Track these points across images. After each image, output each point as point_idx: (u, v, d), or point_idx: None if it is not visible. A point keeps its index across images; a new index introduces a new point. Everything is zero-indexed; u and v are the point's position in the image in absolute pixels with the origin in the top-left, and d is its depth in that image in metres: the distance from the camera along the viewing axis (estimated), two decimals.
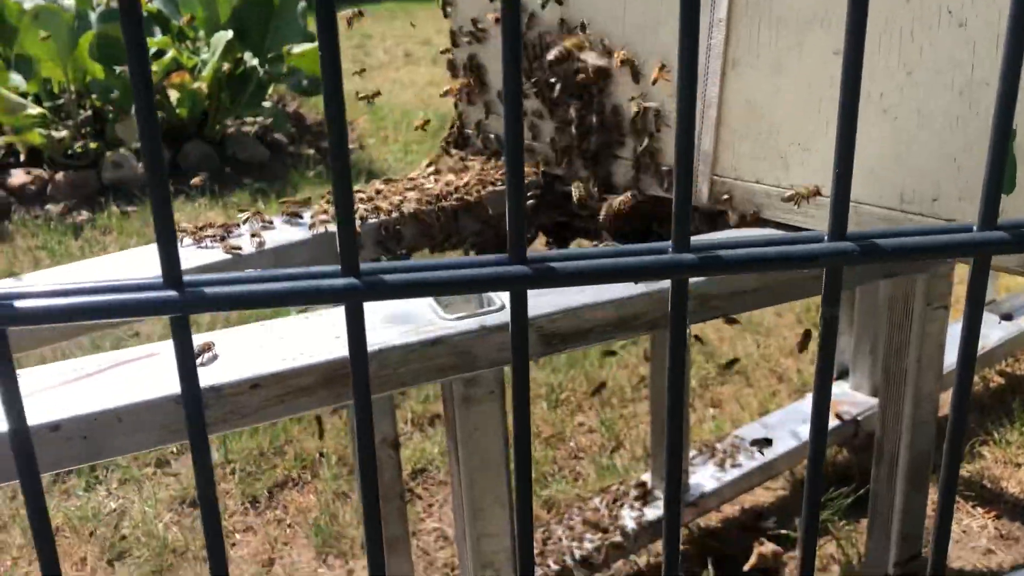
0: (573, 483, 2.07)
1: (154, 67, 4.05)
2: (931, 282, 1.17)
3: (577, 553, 1.65)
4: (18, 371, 0.59)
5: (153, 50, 4.17)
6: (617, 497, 1.79)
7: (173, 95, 4.21)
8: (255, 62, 4.25)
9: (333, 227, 1.27)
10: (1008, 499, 1.94)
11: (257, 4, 4.20)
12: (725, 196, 1.18)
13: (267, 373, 0.88)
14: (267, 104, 4.38)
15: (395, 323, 0.97)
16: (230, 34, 3.91)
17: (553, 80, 1.29)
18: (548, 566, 1.63)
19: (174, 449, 2.23)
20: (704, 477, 1.83)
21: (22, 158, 4.03)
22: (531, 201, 1.38)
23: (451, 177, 1.36)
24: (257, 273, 0.69)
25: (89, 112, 4.08)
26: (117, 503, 2.06)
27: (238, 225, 1.25)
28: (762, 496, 1.99)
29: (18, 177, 3.90)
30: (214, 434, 0.90)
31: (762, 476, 1.89)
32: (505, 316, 0.98)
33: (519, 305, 0.65)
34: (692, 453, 1.89)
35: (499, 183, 1.36)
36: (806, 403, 2.07)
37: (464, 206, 1.31)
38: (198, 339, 0.92)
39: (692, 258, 0.65)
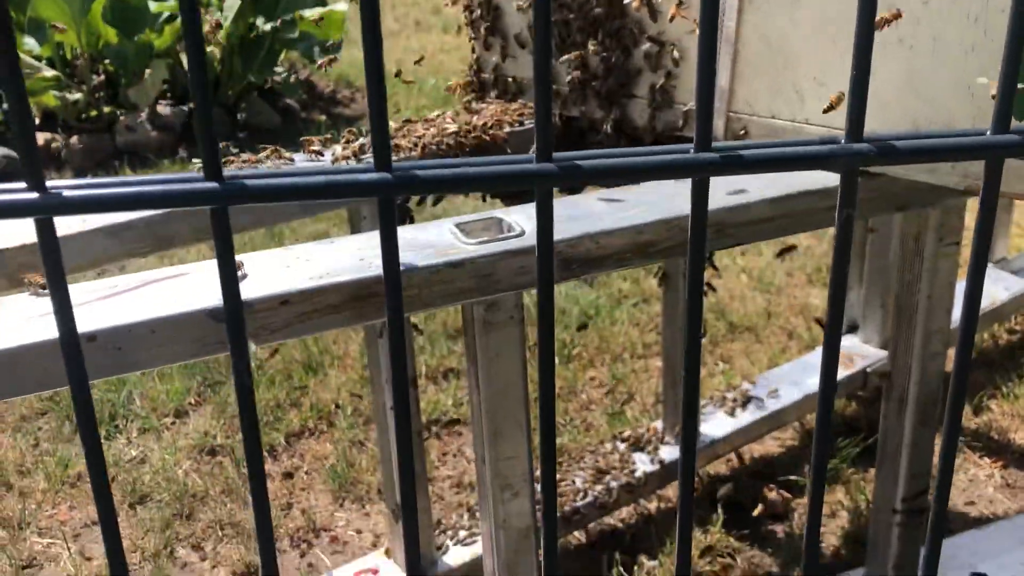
0: (585, 433, 2.10)
1: (168, 31, 4.06)
2: (943, 217, 1.19)
3: (590, 495, 1.68)
4: None
5: (166, 15, 4.18)
6: (629, 442, 1.82)
7: (186, 60, 4.22)
8: (268, 27, 4.25)
9: (355, 163, 1.29)
10: (1015, 450, 1.96)
11: None
12: (741, 132, 1.20)
13: (296, 290, 0.91)
14: (279, 70, 4.38)
15: (416, 248, 0.99)
16: None
17: (572, 16, 1.30)
18: (562, 509, 1.66)
19: (192, 400, 2.27)
20: (714, 425, 1.86)
21: (37, 122, 4.06)
22: None
23: (469, 117, 1.38)
24: (292, 167, 0.71)
25: (103, 76, 4.09)
26: (137, 451, 2.10)
27: (260, 163, 1.27)
28: (771, 446, 2.02)
29: None
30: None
31: (771, 425, 1.91)
32: (525, 241, 1.00)
33: (545, 202, 0.67)
34: (703, 402, 1.92)
35: (516, 124, 1.38)
36: (814, 355, 2.09)
37: (481, 144, 1.33)
38: None
39: (714, 156, 0.67)
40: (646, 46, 1.27)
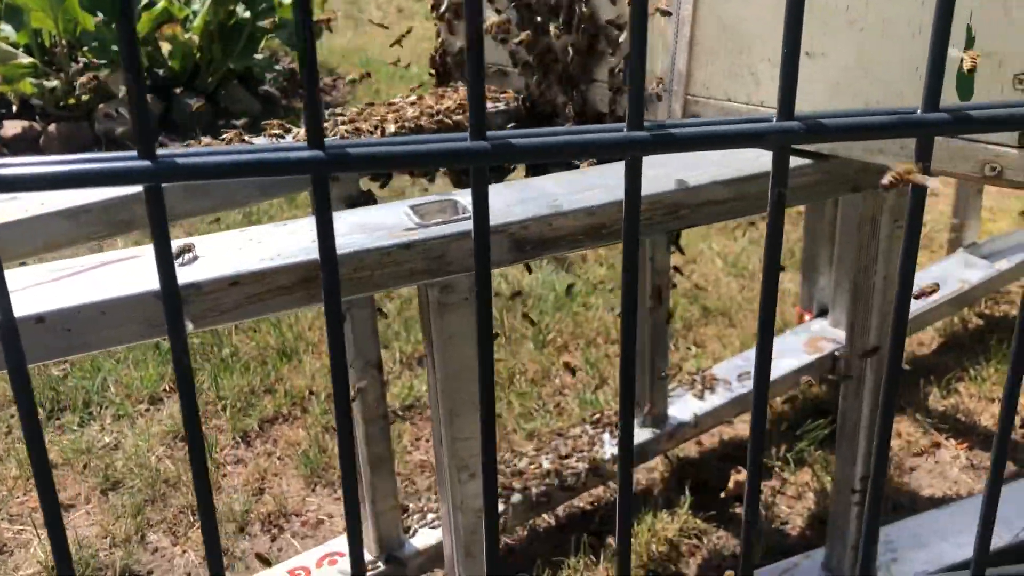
0: (558, 417, 2.11)
1: (144, 17, 4.04)
2: (899, 199, 1.20)
3: (557, 478, 1.69)
4: (5, 270, 0.62)
5: (144, 1, 4.15)
6: (598, 425, 1.84)
7: (165, 48, 4.20)
8: (247, 14, 4.23)
9: None
10: (981, 432, 1.99)
11: None
12: (698, 116, 1.21)
13: (247, 271, 0.91)
14: (259, 56, 4.36)
15: (369, 231, 1.00)
16: None
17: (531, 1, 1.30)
18: (530, 491, 1.68)
19: (167, 387, 2.27)
20: (682, 408, 1.88)
21: (15, 109, 4.03)
22: (511, 125, 1.40)
23: (431, 101, 1.38)
24: (227, 147, 0.72)
25: (81, 64, 4.07)
26: (111, 437, 2.10)
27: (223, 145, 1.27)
28: (741, 428, 2.03)
29: (11, 128, 3.90)
30: (197, 329, 0.93)
31: (740, 407, 1.93)
32: None
33: (480, 180, 0.67)
34: (671, 385, 1.93)
35: None
36: (784, 338, 2.11)
37: (442, 128, 1.33)
38: (179, 242, 0.95)
39: (645, 135, 0.68)
40: (605, 30, 1.27)
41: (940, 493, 1.83)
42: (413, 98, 1.41)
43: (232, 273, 0.91)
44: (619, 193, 1.09)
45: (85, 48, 4.06)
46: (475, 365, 1.10)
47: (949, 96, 1.00)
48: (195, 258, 0.95)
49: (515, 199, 1.06)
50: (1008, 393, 0.81)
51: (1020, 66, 0.92)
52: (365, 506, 1.53)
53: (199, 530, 1.83)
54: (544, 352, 2.37)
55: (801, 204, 1.15)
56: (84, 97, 3.99)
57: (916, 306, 2.20)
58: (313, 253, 0.94)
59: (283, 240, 0.98)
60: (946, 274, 2.30)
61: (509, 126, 1.40)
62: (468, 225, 1.00)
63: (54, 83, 3.96)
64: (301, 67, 0.61)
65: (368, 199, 1.38)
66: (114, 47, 3.97)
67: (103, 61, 4.02)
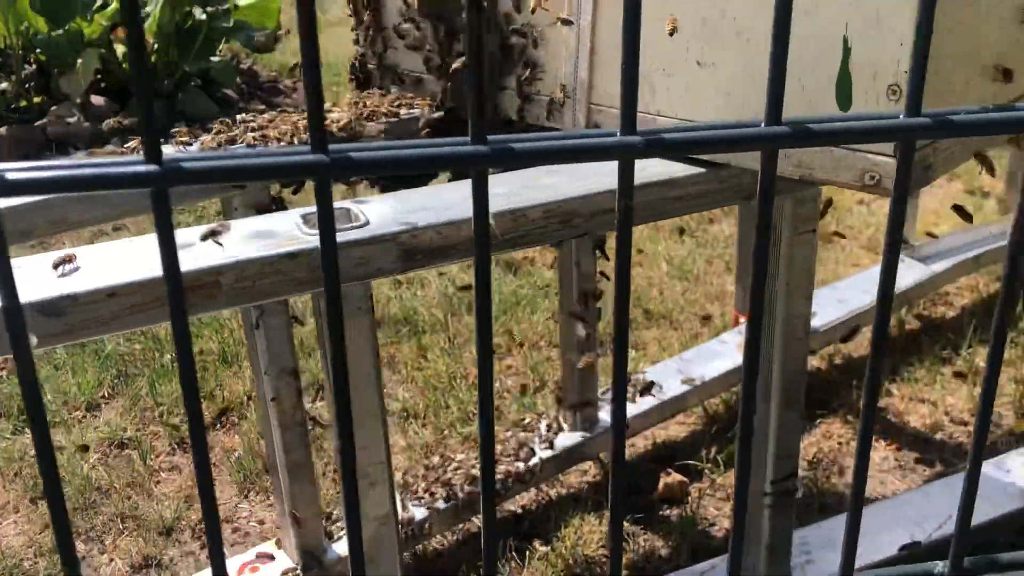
0: (496, 421, 2.12)
1: (97, 19, 4.01)
2: (797, 206, 1.22)
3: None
4: None
5: (98, 2, 4.12)
6: (528, 429, 1.84)
7: (120, 49, 4.17)
8: (204, 16, 4.21)
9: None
10: (909, 432, 2.01)
11: None
12: (597, 125, 1.22)
13: (124, 283, 0.91)
14: (216, 59, 4.34)
15: (260, 239, 1.00)
16: None
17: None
18: (457, 497, 1.68)
19: (105, 393, 2.26)
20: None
21: None
22: (425, 132, 1.41)
23: (346, 109, 1.38)
24: (70, 161, 0.71)
25: (33, 66, 4.03)
26: None
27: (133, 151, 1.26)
28: (677, 430, 2.05)
29: None
30: (73, 341, 0.93)
31: (673, 410, 1.94)
32: (366, 232, 1.01)
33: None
34: (602, 390, 1.94)
35: (392, 116, 1.39)
36: (719, 341, 2.13)
37: (353, 137, 1.33)
38: (61, 253, 0.95)
39: (486, 150, 0.68)
40: (512, 38, 1.28)
41: (867, 494, 1.85)
42: (328, 105, 1.41)
43: (109, 285, 0.91)
44: (515, 200, 1.10)
45: (38, 51, 4.02)
46: (371, 373, 1.10)
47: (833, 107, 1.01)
48: (76, 268, 0.94)
49: (409, 207, 1.06)
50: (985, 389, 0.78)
51: (892, 78, 0.94)
52: (285, 514, 1.53)
53: (127, 538, 1.82)
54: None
55: (696, 212, 1.16)
56: (36, 99, 3.95)
57: (851, 307, 2.23)
58: (192, 263, 0.94)
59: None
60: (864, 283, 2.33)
61: (423, 132, 1.41)
62: (354, 234, 1.01)
63: (4, 85, 3.92)
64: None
65: (279, 205, 1.38)
66: (69, 50, 3.93)
67: (54, 63, 3.98)
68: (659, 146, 0.70)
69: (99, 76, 4.16)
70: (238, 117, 1.35)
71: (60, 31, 3.92)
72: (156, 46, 4.18)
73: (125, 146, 1.39)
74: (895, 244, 0.74)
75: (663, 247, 2.89)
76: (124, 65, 4.13)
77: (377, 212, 1.05)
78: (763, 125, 0.71)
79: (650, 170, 1.13)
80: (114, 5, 4.00)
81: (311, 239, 0.99)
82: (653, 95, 1.15)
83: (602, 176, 1.11)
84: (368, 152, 0.68)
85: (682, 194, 1.15)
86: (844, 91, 0.97)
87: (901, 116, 0.72)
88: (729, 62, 1.06)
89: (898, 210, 0.73)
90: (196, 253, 0.96)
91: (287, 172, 0.67)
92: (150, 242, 1.00)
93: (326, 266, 0.70)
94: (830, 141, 0.72)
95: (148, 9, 4.11)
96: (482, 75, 0.63)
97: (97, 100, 4.06)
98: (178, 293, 0.68)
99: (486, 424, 0.68)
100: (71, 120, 3.97)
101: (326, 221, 0.69)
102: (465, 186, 1.13)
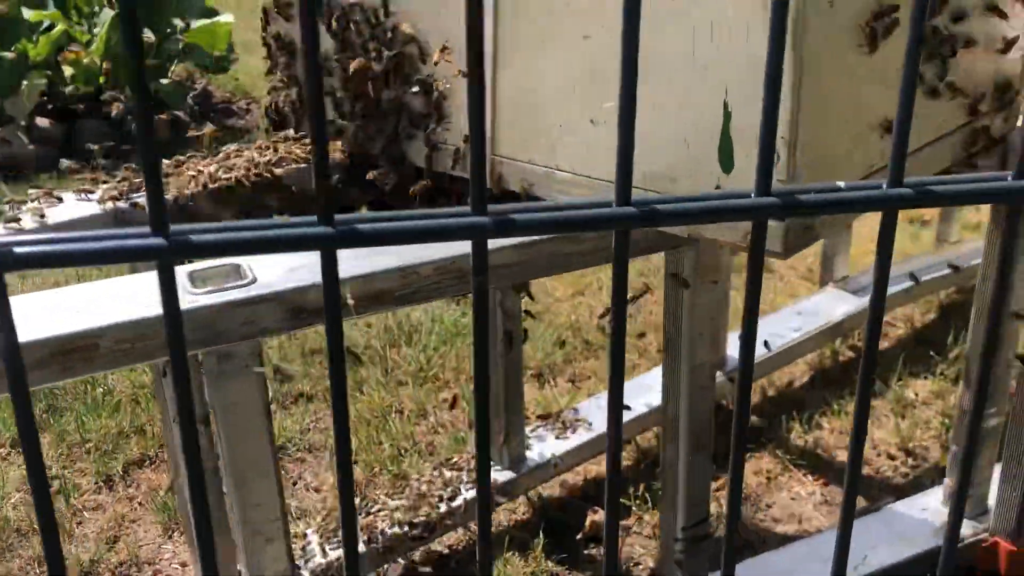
0: (429, 457, 2.11)
1: (43, 41, 3.96)
2: (701, 256, 1.22)
3: (408, 524, 1.68)
4: None
5: (45, 23, 4.07)
6: (455, 468, 1.83)
7: (68, 71, 4.12)
8: (153, 38, 4.17)
9: (123, 204, 1.27)
10: (838, 467, 2.03)
11: None
12: (502, 176, 1.22)
13: None
14: (166, 81, 4.30)
15: (143, 297, 0.99)
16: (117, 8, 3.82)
17: (350, 58, 1.31)
18: (379, 536, 1.67)
19: None
20: (542, 449, 1.88)
21: None
22: (336, 177, 1.40)
23: (254, 155, 1.37)
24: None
25: None
26: None
27: (25, 202, 1.25)
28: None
29: None
30: None
31: (600, 447, 1.94)
32: (253, 290, 1.00)
33: (166, 276, 0.67)
34: (534, 425, 1.94)
35: (302, 161, 1.38)
36: (651, 375, 2.13)
37: (265, 183, 1.32)
38: None
39: (331, 231, 0.67)
40: (415, 88, 1.28)
41: (792, 530, 1.87)
42: (235, 146, 1.40)
43: None
44: (400, 259, 1.10)
45: None
46: (262, 430, 1.09)
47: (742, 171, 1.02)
48: None
49: (301, 263, 1.06)
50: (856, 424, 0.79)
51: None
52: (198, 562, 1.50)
53: None
54: (423, 388, 2.37)
55: (598, 264, 1.17)
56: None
57: (784, 340, 2.25)
58: (71, 326, 0.93)
59: (38, 312, 0.96)
60: (817, 308, 2.35)
61: (334, 177, 1.40)
62: (239, 294, 1.00)
63: None
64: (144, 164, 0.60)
65: None
66: (13, 73, 3.88)
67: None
68: (509, 227, 0.70)
69: (44, 98, 4.11)
70: (133, 165, 1.34)
71: (5, 53, 3.87)
72: (104, 68, 4.14)
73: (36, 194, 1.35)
74: (751, 319, 0.74)
75: (606, 274, 2.90)
76: (69, 88, 4.08)
77: (267, 269, 1.04)
78: (614, 206, 0.72)
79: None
80: (59, 27, 3.96)
81: (196, 299, 0.98)
82: (552, 150, 1.16)
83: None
84: (207, 235, 0.67)
85: (580, 249, 1.15)
86: (726, 153, 0.98)
87: (752, 195, 0.73)
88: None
89: (753, 289, 0.73)
90: (67, 317, 0.94)
91: (126, 256, 0.66)
92: (26, 300, 0.99)
93: (170, 338, 0.69)
94: (676, 222, 0.72)
95: (96, 31, 4.08)
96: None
97: (42, 122, 4.00)
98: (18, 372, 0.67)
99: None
100: (15, 143, 3.92)
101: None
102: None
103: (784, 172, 0.95)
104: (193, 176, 1.29)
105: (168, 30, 4.11)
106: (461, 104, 1.25)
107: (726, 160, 0.99)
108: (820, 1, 0.92)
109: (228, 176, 1.30)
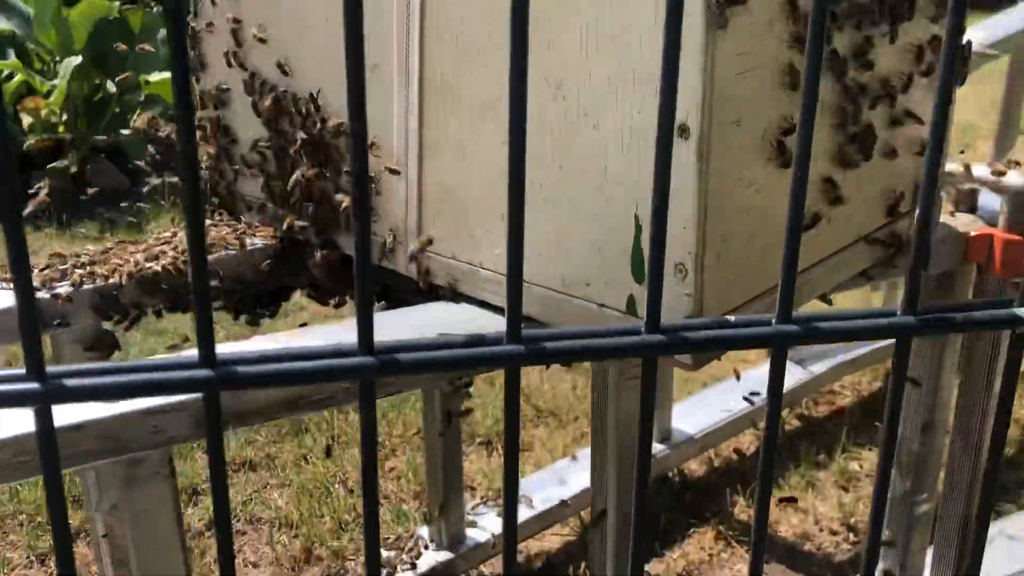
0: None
1: (3, 90, 3.94)
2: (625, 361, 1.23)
3: None
4: None
5: (5, 72, 4.06)
6: (392, 547, 1.81)
7: (26, 120, 4.10)
8: (113, 88, 4.17)
9: (43, 293, 1.26)
10: (779, 542, 2.03)
11: (116, 29, 4.13)
12: (430, 269, 1.22)
13: None
14: (127, 132, 4.29)
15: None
16: (78, 59, 3.83)
17: (303, 138, 1.31)
18: None
19: None
20: (483, 527, 1.87)
21: None
22: (267, 262, 1.40)
23: (182, 239, 1.36)
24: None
25: None
26: None
27: None
28: (547, 542, 2.03)
29: None
30: None
31: (544, 522, 1.93)
32: (160, 400, 0.99)
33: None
34: (474, 503, 1.92)
35: (234, 247, 1.38)
36: None
37: (180, 275, 1.31)
38: None
39: (211, 374, 0.67)
40: (344, 179, 1.28)
41: None
42: (168, 234, 1.39)
43: None
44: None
45: None
46: (174, 538, 1.07)
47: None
48: None
49: None
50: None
51: (679, 257, 0.96)
52: None
53: None
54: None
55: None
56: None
57: (732, 414, 2.26)
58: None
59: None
60: (764, 380, 2.37)
61: (264, 263, 1.40)
62: (147, 403, 0.98)
63: None
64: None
65: (112, 343, 1.35)
66: None
67: None
68: (393, 367, 0.70)
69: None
70: (70, 253, 1.33)
71: None
72: (65, 118, 4.13)
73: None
74: (643, 453, 0.74)
75: None
76: (26, 138, 4.05)
77: None
78: (505, 343, 0.72)
79: (470, 323, 1.14)
80: (19, 77, 3.94)
81: (101, 408, 0.96)
82: (476, 248, 1.16)
83: (424, 328, 1.11)
84: (88, 379, 0.66)
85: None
86: (637, 265, 0.99)
87: (642, 331, 0.73)
88: (539, 226, 1.07)
89: (647, 421, 0.74)
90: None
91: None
92: None
93: (43, 456, 0.67)
94: (568, 357, 0.73)
95: (55, 82, 4.06)
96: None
97: None
98: None
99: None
100: None
101: (46, 445, 0.67)
102: (283, 337, 1.12)
103: (691, 286, 0.96)
104: (119, 265, 1.28)
105: (128, 83, 4.10)
106: (391, 197, 1.25)
107: (637, 270, 0.99)
108: (725, 120, 0.94)
109: (152, 265, 1.29)
